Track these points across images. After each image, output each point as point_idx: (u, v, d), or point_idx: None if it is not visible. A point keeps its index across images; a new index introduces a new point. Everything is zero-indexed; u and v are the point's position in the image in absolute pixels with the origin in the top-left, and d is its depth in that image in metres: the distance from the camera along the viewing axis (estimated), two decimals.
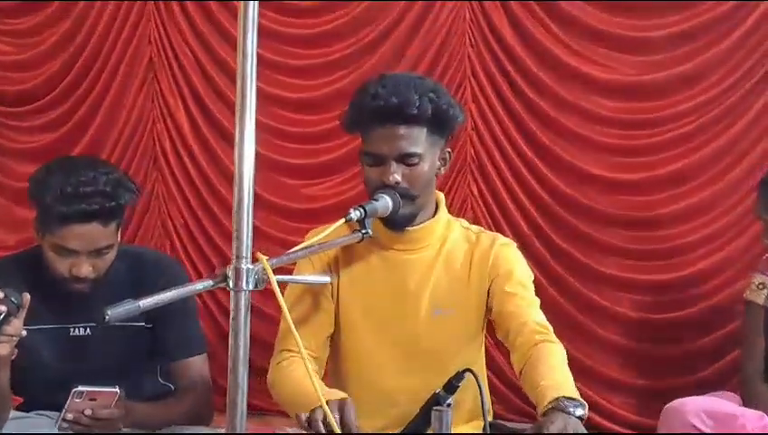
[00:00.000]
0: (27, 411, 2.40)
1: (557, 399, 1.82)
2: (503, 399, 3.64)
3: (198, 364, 2.44)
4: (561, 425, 1.74)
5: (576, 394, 1.86)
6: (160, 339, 2.42)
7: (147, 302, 1.31)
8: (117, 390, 2.19)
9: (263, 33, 4.08)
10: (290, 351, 2.20)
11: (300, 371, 2.13)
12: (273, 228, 3.89)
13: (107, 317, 1.26)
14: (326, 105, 3.73)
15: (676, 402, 2.61)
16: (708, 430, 2.52)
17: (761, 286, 2.85)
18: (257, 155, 4.08)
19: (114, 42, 3.99)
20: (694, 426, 2.52)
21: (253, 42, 1.41)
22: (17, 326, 2.05)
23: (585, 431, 1.77)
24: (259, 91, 4.18)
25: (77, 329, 2.33)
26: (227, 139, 3.75)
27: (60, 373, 2.33)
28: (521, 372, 2.08)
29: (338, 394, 1.97)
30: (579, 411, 1.80)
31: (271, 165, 3.92)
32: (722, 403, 2.65)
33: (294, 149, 3.91)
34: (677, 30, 3.44)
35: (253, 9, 1.40)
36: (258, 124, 4.17)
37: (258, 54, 4.14)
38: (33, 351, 2.32)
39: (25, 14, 4.14)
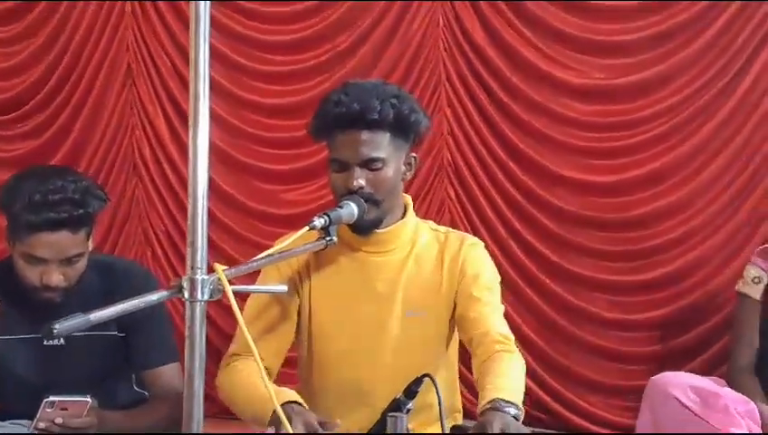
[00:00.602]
0: (3, 420, 2.39)
1: (493, 400, 1.86)
2: None
3: (171, 372, 2.44)
4: (500, 424, 1.78)
5: (514, 398, 1.89)
6: (133, 347, 2.43)
7: (98, 314, 1.31)
8: (88, 399, 2.20)
9: (239, 39, 4.13)
10: (237, 355, 2.23)
11: (250, 373, 2.15)
12: (251, 233, 3.92)
13: (54, 331, 1.26)
14: (303, 110, 3.73)
15: (660, 375, 2.64)
16: (692, 404, 2.53)
17: (756, 280, 2.83)
18: (236, 161, 4.11)
19: (92, 50, 4.00)
20: (676, 398, 2.53)
21: (205, 48, 1.42)
22: None
23: (527, 430, 1.81)
24: (237, 98, 4.25)
25: (51, 340, 2.30)
26: None
27: (35, 383, 2.34)
28: (476, 379, 2.11)
29: (290, 395, 2.01)
30: (512, 411, 1.84)
31: (250, 170, 3.95)
32: (707, 382, 2.67)
33: (273, 155, 3.94)
34: (648, 33, 3.47)
35: (204, 9, 1.41)
36: (237, 130, 4.23)
37: (235, 61, 4.20)
38: (7, 361, 2.34)
39: (6, 24, 4.16)
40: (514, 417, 1.83)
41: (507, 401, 1.86)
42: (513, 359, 2.08)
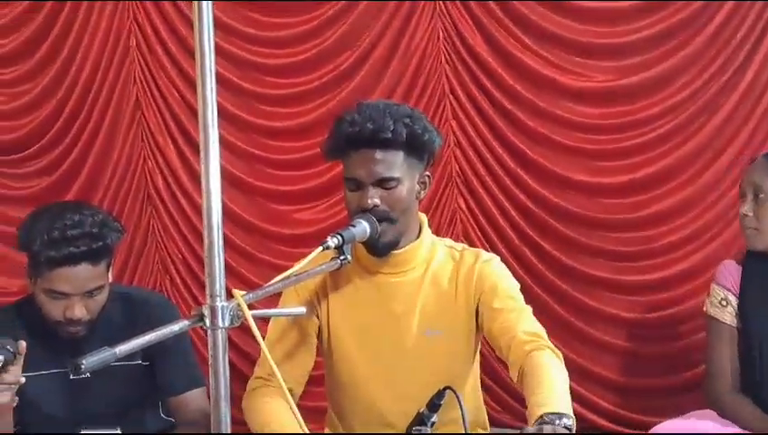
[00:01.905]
0: None
1: (541, 416, 1.84)
2: (510, 409, 3.68)
3: (197, 397, 2.49)
4: (537, 429, 1.78)
5: (561, 408, 1.87)
6: (158, 375, 2.47)
7: (123, 348, 1.35)
8: (119, 432, 2.25)
9: (244, 65, 4.16)
10: (264, 379, 2.27)
11: (274, 404, 2.19)
12: (268, 255, 3.95)
13: (82, 368, 1.30)
14: (310, 131, 3.79)
15: (653, 431, 2.56)
16: None
17: (723, 302, 2.68)
18: (248, 184, 4.12)
19: (100, 86, 4.04)
20: None
21: (211, 75, 1.45)
22: (16, 373, 2.11)
23: None
24: (246, 123, 4.27)
25: (78, 375, 2.35)
26: None
27: (63, 417, 2.38)
28: (519, 385, 2.11)
29: None
30: (564, 422, 1.82)
31: (262, 193, 3.99)
32: (697, 427, 2.56)
33: (284, 176, 3.96)
34: (647, 34, 3.48)
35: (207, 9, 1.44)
36: (247, 154, 4.25)
37: (242, 87, 4.22)
38: (35, 397, 2.37)
39: (13, 63, 4.21)
40: (567, 428, 1.81)
41: (556, 414, 1.84)
42: (546, 357, 2.07)
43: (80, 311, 2.29)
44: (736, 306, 2.68)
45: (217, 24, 3.77)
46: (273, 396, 2.22)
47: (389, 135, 2.14)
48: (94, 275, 2.29)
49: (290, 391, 2.24)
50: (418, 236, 2.30)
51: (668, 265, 3.57)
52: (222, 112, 3.76)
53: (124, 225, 4.05)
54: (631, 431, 3.54)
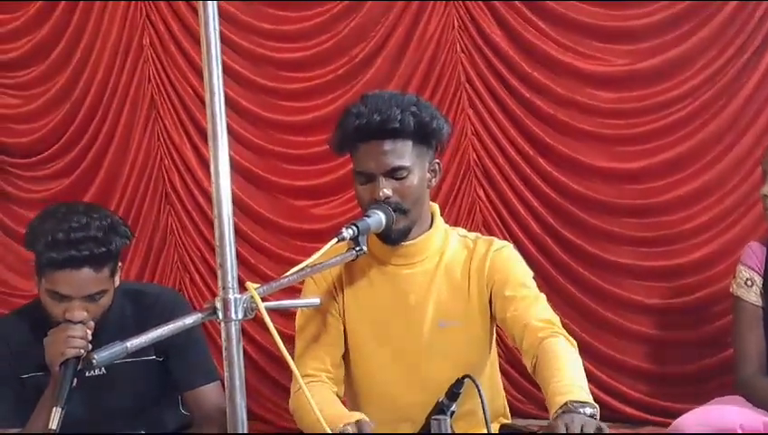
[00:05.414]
0: None
1: (565, 404, 1.82)
2: (534, 399, 3.65)
3: (211, 392, 2.46)
4: (568, 419, 1.75)
5: (584, 396, 1.86)
6: (172, 370, 2.46)
7: (134, 342, 1.33)
8: (142, 433, 2.24)
9: (259, 61, 4.14)
10: (308, 376, 2.23)
11: (319, 397, 2.13)
12: (285, 250, 3.94)
13: (94, 362, 1.28)
14: (326, 125, 3.74)
15: (679, 421, 2.51)
16: None
17: (749, 283, 2.66)
18: (266, 180, 4.10)
19: (115, 85, 4.05)
20: None
21: (217, 61, 1.42)
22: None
23: (593, 429, 1.75)
24: (262, 119, 4.24)
25: (92, 370, 2.32)
26: (233, 167, 3.79)
27: (82, 416, 2.36)
28: (534, 374, 2.09)
29: (354, 416, 2.01)
30: (588, 411, 1.80)
31: (279, 188, 3.98)
32: (723, 415, 2.50)
33: (301, 171, 3.96)
34: (664, 15, 3.44)
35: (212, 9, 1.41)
36: (264, 150, 4.23)
37: (257, 83, 4.20)
38: None
39: (27, 66, 4.22)
40: (591, 416, 1.79)
41: (579, 402, 1.82)
42: (560, 344, 2.04)
43: (79, 314, 2.24)
44: (761, 286, 2.65)
45: (232, 21, 3.79)
46: (315, 392, 2.17)
47: (397, 125, 2.12)
48: (96, 280, 2.24)
49: (333, 379, 2.24)
50: (431, 226, 2.27)
51: (692, 250, 3.52)
52: (238, 108, 3.78)
53: (142, 225, 4.08)
54: (661, 419, 3.47)
